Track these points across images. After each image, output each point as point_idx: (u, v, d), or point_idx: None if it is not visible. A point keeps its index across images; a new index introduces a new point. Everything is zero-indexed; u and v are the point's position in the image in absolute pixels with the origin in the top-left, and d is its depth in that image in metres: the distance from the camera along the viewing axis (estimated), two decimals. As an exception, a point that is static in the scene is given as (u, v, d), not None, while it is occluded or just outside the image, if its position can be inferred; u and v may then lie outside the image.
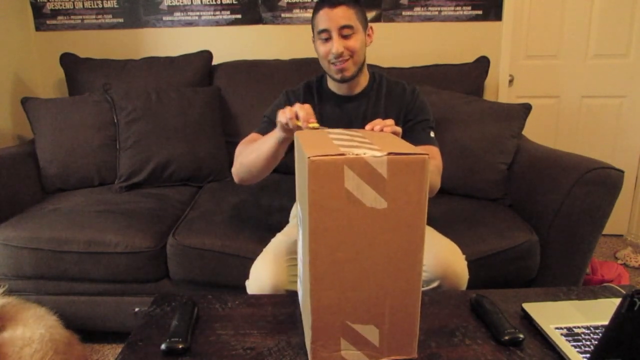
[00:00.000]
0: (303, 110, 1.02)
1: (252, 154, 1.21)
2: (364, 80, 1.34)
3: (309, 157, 0.66)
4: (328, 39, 1.23)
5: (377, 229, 0.71)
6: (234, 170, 1.28)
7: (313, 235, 0.70)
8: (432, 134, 1.32)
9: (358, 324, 0.75)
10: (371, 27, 1.32)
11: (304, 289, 0.80)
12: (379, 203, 0.70)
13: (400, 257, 0.73)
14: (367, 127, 0.97)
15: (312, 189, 0.68)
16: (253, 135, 1.33)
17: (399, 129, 0.97)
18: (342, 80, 1.27)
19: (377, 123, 0.96)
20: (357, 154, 0.68)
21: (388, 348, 0.77)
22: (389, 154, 0.69)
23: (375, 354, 0.77)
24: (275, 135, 1.12)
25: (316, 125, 1.00)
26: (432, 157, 1.23)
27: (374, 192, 0.70)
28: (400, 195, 0.70)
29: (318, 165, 0.67)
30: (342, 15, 1.20)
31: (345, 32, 1.21)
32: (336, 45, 1.21)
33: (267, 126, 1.32)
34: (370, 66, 1.33)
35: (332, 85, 1.35)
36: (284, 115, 1.04)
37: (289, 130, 1.07)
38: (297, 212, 0.90)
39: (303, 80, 1.41)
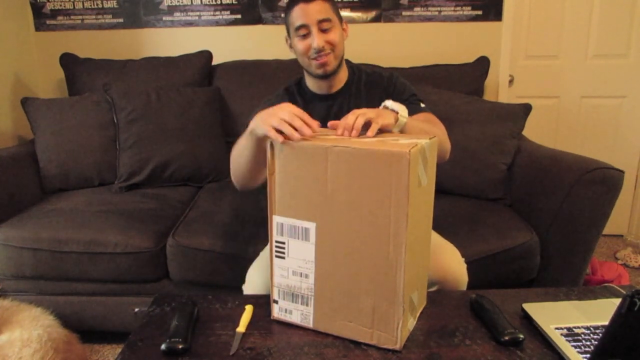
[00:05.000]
0: (302, 122, 0.86)
1: (238, 159, 1.10)
2: (343, 75, 1.30)
3: (404, 151, 0.73)
4: (307, 35, 1.18)
5: (424, 204, 0.84)
6: (232, 178, 1.17)
7: (408, 225, 0.76)
8: (422, 105, 1.27)
9: (413, 293, 0.85)
10: (345, 22, 1.28)
11: (360, 291, 0.83)
12: (425, 181, 0.82)
13: (427, 223, 0.89)
14: (339, 131, 0.90)
15: (410, 180, 0.74)
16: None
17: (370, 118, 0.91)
18: (324, 75, 1.22)
19: (346, 127, 0.89)
20: (417, 142, 0.78)
21: (419, 303, 0.91)
22: (424, 138, 0.83)
23: (415, 313, 0.90)
24: (254, 133, 0.96)
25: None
26: (435, 123, 1.20)
27: (424, 172, 0.81)
28: (431, 170, 0.85)
29: (411, 157, 0.74)
30: (319, 9, 1.16)
31: (324, 25, 1.17)
32: (317, 39, 1.16)
33: None
34: (346, 61, 1.29)
35: (312, 85, 1.30)
36: (282, 120, 0.85)
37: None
38: (280, 230, 0.88)
39: (280, 87, 1.35)
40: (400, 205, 0.75)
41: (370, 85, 1.31)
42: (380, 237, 0.78)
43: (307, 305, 0.89)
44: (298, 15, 1.18)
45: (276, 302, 0.92)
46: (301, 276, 0.88)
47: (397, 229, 0.77)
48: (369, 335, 0.84)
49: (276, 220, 0.88)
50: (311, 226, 0.84)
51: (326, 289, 0.86)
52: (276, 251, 0.90)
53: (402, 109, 1.04)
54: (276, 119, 0.86)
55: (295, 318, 0.91)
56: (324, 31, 1.18)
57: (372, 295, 0.81)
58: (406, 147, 0.74)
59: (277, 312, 0.92)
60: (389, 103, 1.05)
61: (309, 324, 0.89)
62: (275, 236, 0.89)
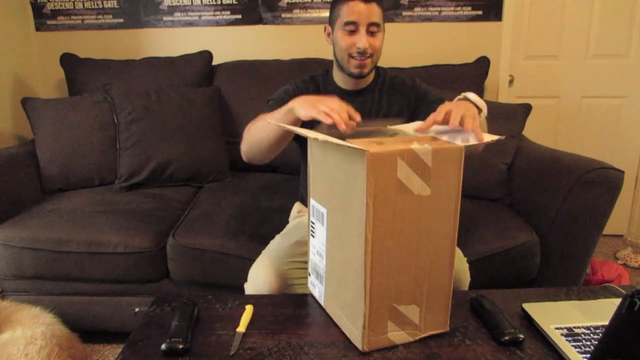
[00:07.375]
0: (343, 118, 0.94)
1: (259, 134, 1.14)
2: (370, 76, 1.33)
3: (367, 150, 0.70)
4: (354, 32, 1.20)
5: (422, 215, 0.78)
6: (243, 148, 1.22)
7: (369, 225, 0.74)
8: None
9: (402, 304, 0.81)
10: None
11: (346, 281, 0.83)
12: (424, 190, 0.77)
13: (440, 240, 0.80)
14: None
15: (370, 181, 0.72)
16: (262, 116, 1.22)
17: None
18: (358, 76, 1.25)
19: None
20: (406, 146, 0.74)
21: (425, 324, 0.84)
22: (433, 144, 0.76)
23: (415, 332, 0.84)
24: (293, 112, 1.03)
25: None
26: None
27: (421, 180, 0.76)
28: (441, 182, 0.78)
29: (376, 157, 0.71)
30: (374, 12, 1.19)
31: (372, 29, 1.20)
32: (364, 40, 1.18)
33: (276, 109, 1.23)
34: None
35: (338, 79, 1.33)
36: (326, 112, 0.94)
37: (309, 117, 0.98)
38: (312, 211, 0.93)
39: (307, 74, 1.39)
40: (367, 206, 0.73)
41: (391, 88, 1.35)
42: (353, 235, 0.78)
43: (321, 284, 0.93)
44: (352, 11, 1.19)
45: (310, 275, 0.99)
46: (319, 256, 0.92)
47: (359, 229, 0.76)
48: (345, 327, 0.85)
49: (311, 202, 0.94)
50: (324, 211, 0.88)
51: (331, 272, 0.89)
52: (311, 230, 0.96)
53: (482, 105, 1.08)
54: (326, 107, 0.95)
55: (316, 294, 0.97)
56: (371, 34, 1.20)
57: (351, 290, 0.82)
58: (385, 148, 0.72)
59: (309, 284, 0.99)
60: (471, 96, 1.08)
61: (322, 302, 0.94)
62: (311, 217, 0.95)
